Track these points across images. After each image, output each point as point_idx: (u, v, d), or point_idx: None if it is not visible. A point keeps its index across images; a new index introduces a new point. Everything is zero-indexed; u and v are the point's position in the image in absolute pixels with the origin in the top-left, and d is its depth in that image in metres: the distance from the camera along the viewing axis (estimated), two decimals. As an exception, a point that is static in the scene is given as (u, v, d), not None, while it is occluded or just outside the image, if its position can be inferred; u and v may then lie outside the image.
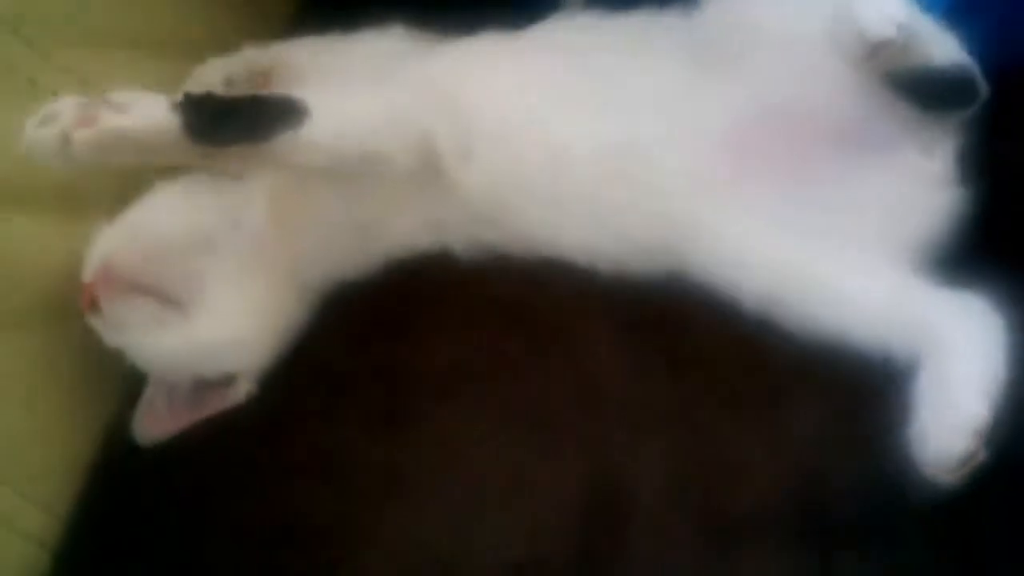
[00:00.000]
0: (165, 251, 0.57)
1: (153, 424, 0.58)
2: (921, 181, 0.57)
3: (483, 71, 0.61)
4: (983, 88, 0.55)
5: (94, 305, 0.56)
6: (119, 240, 0.57)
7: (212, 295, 0.58)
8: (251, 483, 0.55)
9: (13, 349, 0.57)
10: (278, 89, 0.62)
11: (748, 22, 0.59)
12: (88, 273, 0.57)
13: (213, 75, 0.63)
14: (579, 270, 0.59)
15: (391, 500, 0.53)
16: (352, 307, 0.60)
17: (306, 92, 0.53)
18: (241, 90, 0.62)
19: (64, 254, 0.58)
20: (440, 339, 0.58)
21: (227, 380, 0.59)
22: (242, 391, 0.58)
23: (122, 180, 0.60)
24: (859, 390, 0.52)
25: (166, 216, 0.58)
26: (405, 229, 0.60)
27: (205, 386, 0.59)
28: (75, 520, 0.59)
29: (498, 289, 0.59)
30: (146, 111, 0.49)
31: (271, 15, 0.78)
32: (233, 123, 0.50)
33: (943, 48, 0.54)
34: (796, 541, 0.51)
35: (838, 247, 0.56)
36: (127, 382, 0.60)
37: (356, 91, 0.57)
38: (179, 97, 0.50)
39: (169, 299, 0.57)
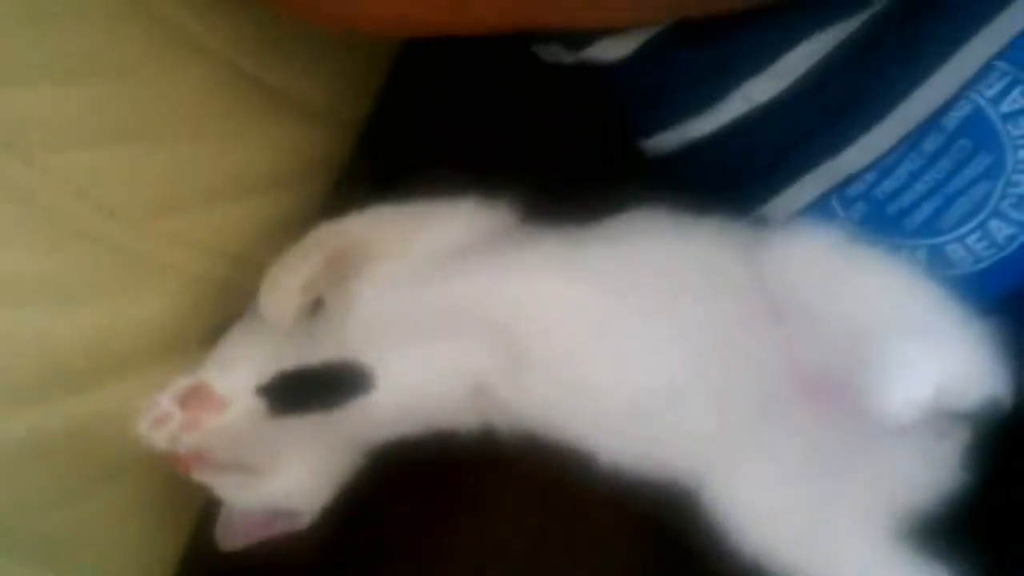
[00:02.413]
0: (250, 427, 0.65)
1: (230, 536, 0.70)
2: (929, 463, 0.62)
3: (541, 299, 0.65)
4: (1007, 406, 0.58)
5: (186, 474, 0.66)
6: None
7: (282, 462, 0.67)
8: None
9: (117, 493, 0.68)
10: (353, 269, 0.68)
11: (812, 291, 0.62)
12: (180, 453, 0.65)
13: (291, 279, 0.66)
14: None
15: None
16: (402, 481, 0.68)
17: (374, 352, 0.61)
18: (320, 286, 0.67)
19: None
20: (478, 527, 0.68)
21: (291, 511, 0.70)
22: (305, 520, 0.70)
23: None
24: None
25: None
26: (454, 415, 0.67)
27: (274, 512, 0.70)
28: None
29: (533, 478, 0.67)
30: (237, 408, 0.57)
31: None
32: (308, 396, 0.58)
33: (973, 395, 0.55)
34: None
35: (840, 509, 0.62)
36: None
37: (418, 351, 0.63)
38: (262, 384, 0.59)
39: (246, 468, 0.67)
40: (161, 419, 0.60)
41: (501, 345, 0.64)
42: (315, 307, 0.69)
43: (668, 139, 0.73)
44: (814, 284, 0.62)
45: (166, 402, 0.61)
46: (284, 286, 0.66)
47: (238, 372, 0.63)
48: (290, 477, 0.68)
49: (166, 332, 0.67)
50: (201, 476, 0.66)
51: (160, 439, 0.59)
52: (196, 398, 0.61)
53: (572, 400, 0.65)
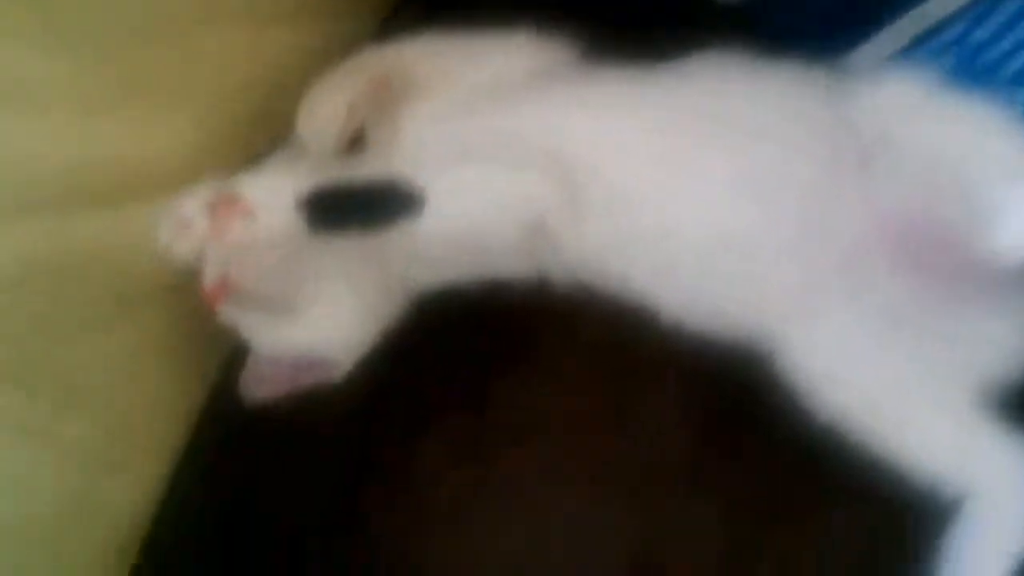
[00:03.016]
0: (277, 262, 0.60)
1: (257, 386, 0.64)
2: (1019, 326, 0.58)
3: (605, 132, 0.60)
4: None
5: (212, 308, 0.60)
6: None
7: (318, 297, 0.62)
8: (330, 475, 0.62)
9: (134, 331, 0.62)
10: (398, 101, 0.62)
11: (905, 137, 0.57)
12: (206, 282, 0.60)
13: (333, 99, 0.60)
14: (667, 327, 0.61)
15: (458, 527, 0.60)
16: (449, 329, 0.63)
17: (423, 174, 0.55)
18: (364, 111, 0.61)
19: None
20: (529, 381, 0.62)
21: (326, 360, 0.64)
22: (340, 371, 0.63)
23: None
24: (903, 512, 0.56)
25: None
26: (507, 260, 0.62)
27: (306, 360, 0.64)
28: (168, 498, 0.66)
29: (589, 335, 0.62)
30: (273, 216, 0.51)
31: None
32: (351, 214, 0.52)
33: None
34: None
35: (922, 374, 0.58)
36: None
37: (472, 172, 0.57)
38: (300, 195, 0.52)
39: (278, 304, 0.61)
40: (184, 225, 0.54)
41: (561, 182, 0.59)
42: (356, 144, 0.63)
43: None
44: (906, 129, 0.57)
45: (191, 206, 0.54)
46: (326, 105, 0.60)
47: (275, 186, 0.56)
48: (325, 317, 0.62)
49: (195, 155, 0.61)
50: (227, 312, 0.61)
51: (183, 249, 0.53)
52: (225, 207, 0.55)
53: (635, 245, 0.60)
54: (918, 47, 0.63)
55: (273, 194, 0.55)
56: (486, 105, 0.62)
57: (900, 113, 0.58)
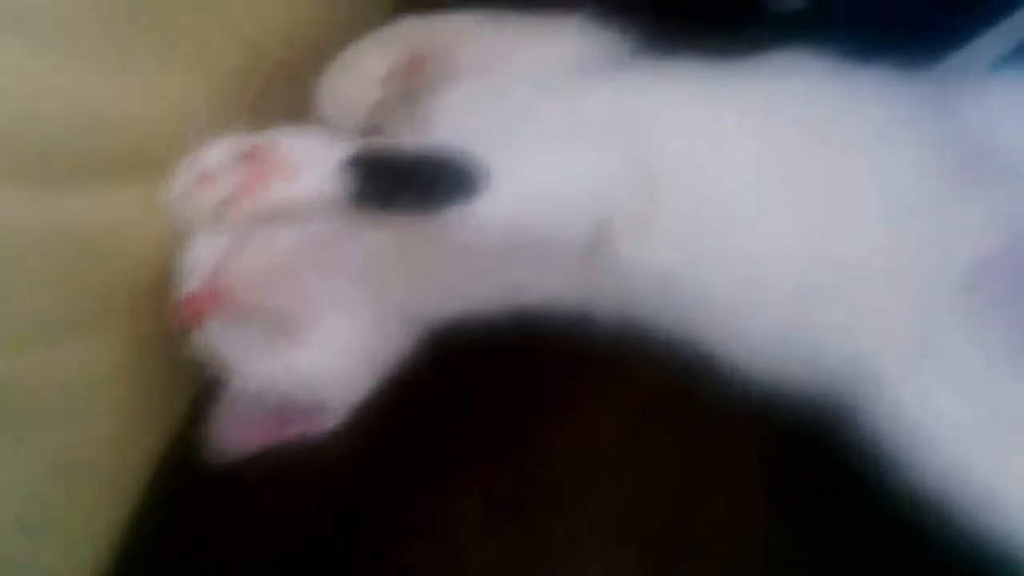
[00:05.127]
0: (286, 270, 0.48)
1: (232, 434, 0.52)
2: None
3: (684, 132, 0.50)
4: None
5: (195, 321, 0.47)
6: (232, 249, 0.48)
7: (321, 323, 0.51)
8: (346, 544, 0.49)
9: (89, 355, 0.49)
10: (435, 78, 0.52)
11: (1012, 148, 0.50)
12: (193, 286, 0.47)
13: (373, 64, 0.51)
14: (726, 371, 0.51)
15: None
16: (475, 363, 0.51)
17: (486, 149, 0.44)
18: (397, 86, 0.50)
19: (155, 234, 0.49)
20: (575, 421, 0.51)
21: (318, 406, 0.53)
22: (332, 420, 0.52)
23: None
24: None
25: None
26: (545, 286, 0.52)
27: (293, 405, 0.52)
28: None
29: (639, 374, 0.52)
30: (313, 178, 0.40)
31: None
32: (404, 189, 0.42)
33: None
34: None
35: None
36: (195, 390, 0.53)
37: (541, 152, 0.46)
38: (347, 157, 0.42)
39: (280, 324, 0.49)
40: (207, 178, 0.41)
41: (640, 179, 0.48)
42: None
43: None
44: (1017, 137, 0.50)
45: (217, 155, 0.42)
46: (358, 75, 0.50)
47: (316, 143, 0.44)
48: (324, 345, 0.51)
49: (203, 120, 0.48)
50: (207, 332, 0.47)
51: (203, 206, 0.39)
52: (263, 157, 0.42)
53: (711, 265, 0.50)
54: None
55: (315, 151, 0.42)
56: (547, 88, 0.52)
57: (1012, 121, 0.51)
